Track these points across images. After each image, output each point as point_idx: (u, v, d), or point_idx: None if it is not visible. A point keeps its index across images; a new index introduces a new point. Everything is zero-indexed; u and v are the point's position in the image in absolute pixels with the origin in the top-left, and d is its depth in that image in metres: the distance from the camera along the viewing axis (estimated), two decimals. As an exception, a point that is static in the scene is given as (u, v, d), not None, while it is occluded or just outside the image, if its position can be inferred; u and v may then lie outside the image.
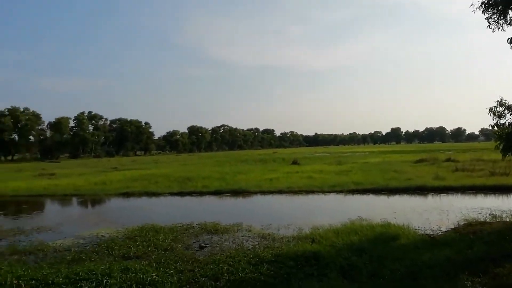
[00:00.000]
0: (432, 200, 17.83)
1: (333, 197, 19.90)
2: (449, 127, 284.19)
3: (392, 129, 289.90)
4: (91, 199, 22.69)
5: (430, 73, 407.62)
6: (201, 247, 10.02)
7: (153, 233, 11.73)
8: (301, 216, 14.49)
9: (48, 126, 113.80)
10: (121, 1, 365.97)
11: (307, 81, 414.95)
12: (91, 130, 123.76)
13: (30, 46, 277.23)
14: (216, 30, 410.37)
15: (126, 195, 23.17)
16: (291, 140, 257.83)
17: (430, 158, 39.49)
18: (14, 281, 6.82)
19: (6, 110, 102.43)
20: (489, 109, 11.85)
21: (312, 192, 21.41)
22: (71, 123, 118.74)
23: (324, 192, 21.27)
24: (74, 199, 22.90)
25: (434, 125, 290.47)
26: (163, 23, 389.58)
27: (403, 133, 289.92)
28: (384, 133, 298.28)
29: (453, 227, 11.54)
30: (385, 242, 9.42)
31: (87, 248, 10.40)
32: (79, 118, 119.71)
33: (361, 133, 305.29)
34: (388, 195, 19.60)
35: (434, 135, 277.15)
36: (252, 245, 10.08)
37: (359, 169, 32.96)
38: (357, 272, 7.26)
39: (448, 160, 37.38)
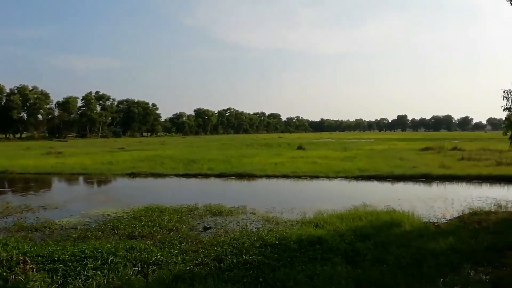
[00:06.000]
0: (437, 189, 17.74)
1: (337, 183, 19.90)
2: (456, 115, 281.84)
3: (398, 116, 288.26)
4: (97, 178, 22.86)
5: (439, 61, 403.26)
6: (205, 229, 10.09)
7: (158, 213, 11.82)
8: (305, 200, 14.52)
9: (56, 105, 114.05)
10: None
11: (316, 65, 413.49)
12: (98, 110, 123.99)
13: (44, 24, 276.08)
14: (228, 13, 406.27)
15: (132, 175, 23.34)
16: (296, 125, 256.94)
17: (436, 147, 39.14)
18: (20, 257, 6.89)
19: (16, 88, 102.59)
20: (504, 91, 11.83)
21: (316, 177, 21.41)
22: (79, 103, 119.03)
23: (328, 177, 21.26)
24: (81, 178, 23.10)
25: (441, 113, 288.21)
26: (174, 4, 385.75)
27: (409, 121, 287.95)
28: (390, 120, 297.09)
29: (457, 216, 11.45)
30: (389, 228, 9.41)
31: (93, 226, 10.52)
32: (87, 98, 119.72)
33: (367, 120, 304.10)
34: (392, 182, 19.54)
35: (441, 123, 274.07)
36: (256, 228, 10.13)
37: (364, 155, 32.85)
38: (361, 257, 7.28)
39: (454, 149, 36.91)
